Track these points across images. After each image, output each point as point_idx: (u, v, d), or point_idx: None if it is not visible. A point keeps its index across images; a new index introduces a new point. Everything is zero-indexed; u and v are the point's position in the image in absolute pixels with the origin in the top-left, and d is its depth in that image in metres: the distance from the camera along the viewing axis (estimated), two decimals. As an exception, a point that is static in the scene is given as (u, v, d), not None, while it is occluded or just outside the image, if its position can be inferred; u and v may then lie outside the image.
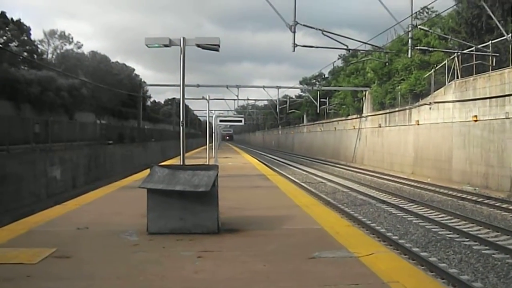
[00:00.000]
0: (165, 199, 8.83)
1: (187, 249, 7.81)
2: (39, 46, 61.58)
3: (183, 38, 11.03)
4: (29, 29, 55.77)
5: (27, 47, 54.50)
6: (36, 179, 25.67)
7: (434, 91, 35.72)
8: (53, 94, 43.67)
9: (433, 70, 37.22)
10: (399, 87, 43.12)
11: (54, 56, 66.72)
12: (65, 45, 68.28)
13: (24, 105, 41.49)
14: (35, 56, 54.79)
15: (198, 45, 11.16)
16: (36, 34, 72.59)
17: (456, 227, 17.13)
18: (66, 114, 47.06)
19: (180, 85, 11.47)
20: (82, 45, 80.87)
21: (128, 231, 9.03)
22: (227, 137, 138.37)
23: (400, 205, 22.42)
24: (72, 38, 68.79)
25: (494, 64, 29.70)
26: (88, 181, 31.98)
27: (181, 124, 11.59)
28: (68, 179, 30.07)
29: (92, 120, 52.76)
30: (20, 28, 54.13)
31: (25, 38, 54.88)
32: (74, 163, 31.44)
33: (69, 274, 6.56)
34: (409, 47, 33.84)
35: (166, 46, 11.15)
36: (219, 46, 11.17)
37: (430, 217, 19.22)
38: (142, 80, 79.63)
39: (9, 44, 52.84)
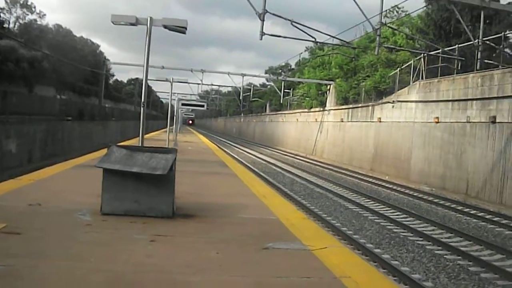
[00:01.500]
0: (121, 180, 8.69)
1: (140, 232, 7.69)
2: (0, 14, 60.06)
3: (150, 18, 10.86)
4: (-10, -3, 54.43)
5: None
6: (-10, 151, 25.12)
7: (398, 90, 36.03)
8: (13, 64, 42.70)
9: (398, 69, 37.52)
10: (364, 83, 43.39)
11: (16, 26, 65.22)
12: (27, 14, 66.77)
13: (-18, 74, 40.51)
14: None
15: (165, 26, 10.99)
16: (-2, 3, 70.86)
17: (411, 225, 17.33)
18: (25, 87, 46.09)
19: (144, 66, 11.28)
20: (45, 15, 79.03)
21: (82, 211, 8.86)
22: (190, 122, 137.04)
23: (357, 201, 22.60)
24: (34, 8, 67.26)
25: (459, 68, 30.06)
26: (45, 157, 31.41)
27: (142, 105, 11.41)
28: (24, 153, 29.48)
29: (52, 95, 51.84)
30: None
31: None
32: (31, 137, 30.83)
33: (18, 250, 6.41)
34: (377, 45, 34.01)
35: (132, 24, 10.96)
36: (186, 28, 11.02)
37: (385, 214, 19.42)
38: (106, 58, 78.48)
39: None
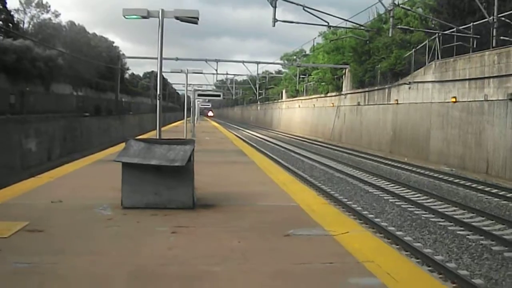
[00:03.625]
0: (140, 173, 8.71)
1: (161, 225, 7.73)
2: (15, 15, 60.32)
3: (162, 10, 10.84)
4: (5, -3, 54.55)
5: (2, 16, 53.38)
6: (10, 151, 25.34)
7: (414, 71, 35.81)
8: (29, 64, 42.91)
9: (413, 50, 37.25)
10: (379, 65, 43.13)
11: (30, 26, 65.46)
12: (42, 13, 66.91)
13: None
14: (11, 25, 53.66)
15: (177, 18, 10.97)
16: (12, 3, 71.23)
17: (432, 207, 17.23)
18: (42, 85, 46.30)
19: (158, 58, 11.28)
20: (59, 14, 79.23)
21: (103, 205, 8.90)
22: (208, 114, 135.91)
23: (377, 184, 22.51)
24: (49, 7, 67.43)
25: (475, 46, 29.79)
26: (64, 154, 31.66)
27: (158, 97, 11.41)
28: (44, 151, 29.75)
29: (69, 92, 52.12)
30: (-5, -3, 52.97)
31: (0, 6, 53.71)
32: (50, 135, 31.08)
33: (41, 248, 6.45)
34: (391, 26, 33.80)
35: (144, 17, 10.94)
36: (197, 18, 10.99)
37: (406, 196, 19.33)
38: (121, 52, 78.64)
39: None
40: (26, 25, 64.51)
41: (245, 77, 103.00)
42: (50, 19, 66.78)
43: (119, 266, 5.84)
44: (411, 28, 37.77)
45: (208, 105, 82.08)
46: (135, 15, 11.05)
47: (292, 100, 79.25)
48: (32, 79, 42.88)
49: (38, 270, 5.59)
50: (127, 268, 5.77)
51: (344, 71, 53.07)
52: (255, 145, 42.74)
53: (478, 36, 29.83)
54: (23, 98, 31.29)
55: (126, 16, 11.10)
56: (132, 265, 5.86)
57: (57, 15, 68.24)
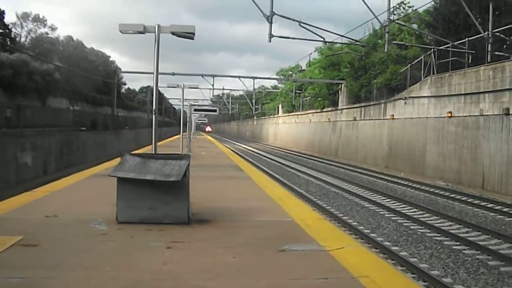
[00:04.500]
0: (135, 188, 8.71)
1: (156, 240, 7.71)
2: (12, 29, 60.45)
3: (158, 25, 10.89)
4: (3, 12, 54.69)
5: (0, 30, 53.50)
6: (6, 165, 25.30)
7: (410, 86, 35.94)
8: (25, 78, 43.01)
9: (409, 65, 37.41)
10: (375, 81, 43.28)
11: (27, 40, 65.62)
12: (39, 28, 67.12)
13: (-5, 89, 40.88)
14: (8, 39, 53.78)
15: (173, 33, 11.02)
16: (10, 18, 71.45)
17: (428, 222, 17.22)
18: (38, 99, 46.45)
19: (154, 73, 11.31)
20: (56, 28, 79.51)
21: (97, 220, 8.89)
22: (207, 128, 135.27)
23: (373, 199, 22.49)
24: (46, 21, 67.64)
25: (470, 61, 29.94)
26: (60, 168, 31.63)
27: (153, 112, 11.43)
28: (39, 165, 29.71)
29: (65, 106, 52.20)
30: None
31: (-2, 21, 53.85)
32: (46, 149, 31.05)
33: (35, 263, 6.43)
34: (386, 41, 33.91)
35: (140, 33, 10.99)
36: (194, 34, 11.05)
37: (402, 211, 19.31)
38: (118, 67, 78.82)
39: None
40: (23, 39, 64.63)
41: (241, 92, 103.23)
42: (47, 33, 67.02)
43: (113, 281, 5.83)
44: (407, 44, 37.99)
45: (205, 120, 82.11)
46: (132, 30, 11.11)
47: (288, 115, 79.37)
48: (29, 93, 42.95)
49: (32, 285, 5.59)
50: (122, 283, 5.76)
51: (340, 86, 53.22)
52: (251, 160, 42.76)
53: (473, 52, 29.99)
54: (19, 112, 31.29)
55: (123, 31, 11.14)
56: (127, 280, 5.84)
57: (54, 29, 68.45)
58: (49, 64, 50.26)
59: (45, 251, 7.01)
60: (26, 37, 66.32)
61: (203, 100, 79.75)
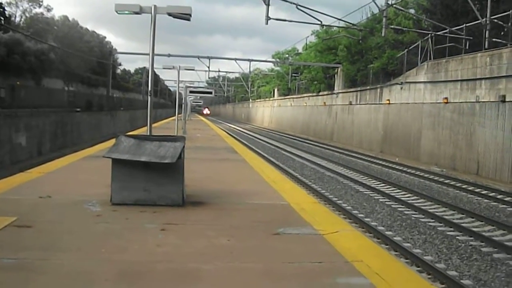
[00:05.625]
0: (130, 169, 8.67)
1: (150, 221, 7.69)
2: (6, 8, 60.03)
3: (154, 6, 10.81)
4: (-4, -9, 54.25)
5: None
6: (0, 145, 25.21)
7: (406, 71, 35.88)
8: (19, 58, 42.74)
9: (406, 50, 37.32)
10: (372, 65, 43.20)
11: (22, 20, 65.21)
12: (34, 8, 66.73)
13: (-11, 69, 40.63)
14: (2, 18, 53.39)
15: (170, 14, 10.94)
16: (5, -3, 70.75)
17: (422, 207, 17.26)
18: (33, 79, 46.20)
19: (149, 54, 11.24)
20: (52, 8, 79.04)
21: (92, 201, 8.85)
22: (204, 110, 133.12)
23: (368, 183, 22.53)
24: (41, 2, 67.21)
25: (467, 48, 29.89)
26: (54, 149, 31.56)
27: (148, 93, 11.37)
28: (34, 146, 29.63)
29: (60, 87, 51.96)
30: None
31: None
32: (40, 130, 30.95)
33: (29, 244, 6.41)
34: (384, 26, 33.83)
35: (136, 13, 10.91)
36: (190, 15, 10.98)
37: (396, 196, 19.36)
38: (113, 48, 78.47)
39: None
40: (17, 19, 64.19)
41: (237, 75, 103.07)
42: (42, 13, 66.52)
43: (107, 262, 5.81)
44: (404, 29, 37.85)
45: (200, 102, 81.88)
46: (127, 10, 11.02)
47: (284, 99, 79.24)
48: (23, 73, 42.71)
49: (26, 266, 5.56)
50: (116, 264, 5.74)
51: (336, 70, 53.11)
52: (246, 142, 42.70)
53: (471, 38, 29.94)
54: (13, 92, 31.13)
55: (118, 12, 11.06)
56: (121, 262, 5.82)
57: (49, 9, 68.11)
58: (43, 44, 49.95)
59: (39, 232, 6.98)
60: (21, 17, 65.96)
61: (198, 82, 79.60)
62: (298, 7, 33.10)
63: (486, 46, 27.36)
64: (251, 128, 78.86)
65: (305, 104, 65.09)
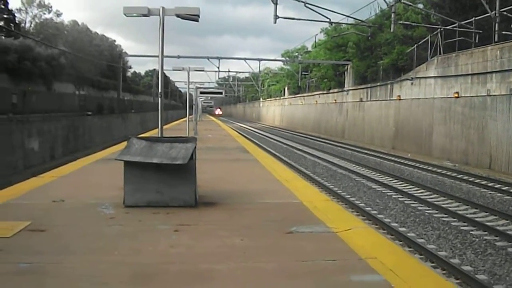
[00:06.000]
0: (142, 171, 8.69)
1: (163, 223, 7.72)
2: (16, 15, 60.36)
3: (162, 8, 10.85)
4: (7, -3, 54.51)
5: (4, 16, 53.39)
6: (13, 151, 25.37)
7: (416, 67, 35.75)
8: (30, 63, 42.93)
9: (415, 45, 37.18)
10: (381, 61, 43.07)
11: (32, 25, 65.56)
12: (44, 13, 67.08)
13: (1, 74, 40.81)
14: (12, 25, 53.66)
15: (178, 15, 10.97)
16: (15, 3, 71.40)
17: (435, 203, 17.19)
18: (44, 85, 46.40)
19: (159, 56, 11.27)
20: (61, 13, 79.42)
21: (105, 204, 8.89)
22: (216, 111, 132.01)
23: (380, 180, 22.46)
24: (51, 7, 67.56)
25: (477, 41, 29.74)
26: (66, 153, 31.71)
27: (159, 95, 11.40)
28: (46, 151, 29.78)
29: (71, 91, 52.18)
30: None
31: (2, 6, 53.70)
32: (52, 134, 31.11)
33: (44, 247, 6.44)
34: (392, 21, 33.72)
35: (144, 15, 10.95)
36: (198, 16, 11.00)
37: (409, 192, 19.28)
38: (123, 51, 78.72)
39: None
40: (27, 25, 64.57)
41: (247, 74, 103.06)
42: (51, 19, 66.87)
43: (121, 265, 5.83)
44: (413, 24, 37.71)
45: (211, 103, 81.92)
46: (136, 13, 11.05)
47: (295, 97, 79.17)
48: (34, 78, 42.90)
49: (40, 269, 5.59)
50: (130, 266, 5.76)
51: (346, 67, 53.02)
52: (257, 142, 42.69)
53: (480, 31, 29.78)
54: (25, 98, 31.31)
55: (127, 15, 11.10)
56: (135, 264, 5.85)
57: (59, 14, 68.44)
58: (53, 49, 50.17)
59: (53, 236, 7.01)
60: (31, 23, 66.29)
61: (209, 82, 79.79)
62: (307, 5, 33.07)
63: (496, 39, 27.22)
64: (262, 127, 78.84)
65: (315, 102, 65.02)
